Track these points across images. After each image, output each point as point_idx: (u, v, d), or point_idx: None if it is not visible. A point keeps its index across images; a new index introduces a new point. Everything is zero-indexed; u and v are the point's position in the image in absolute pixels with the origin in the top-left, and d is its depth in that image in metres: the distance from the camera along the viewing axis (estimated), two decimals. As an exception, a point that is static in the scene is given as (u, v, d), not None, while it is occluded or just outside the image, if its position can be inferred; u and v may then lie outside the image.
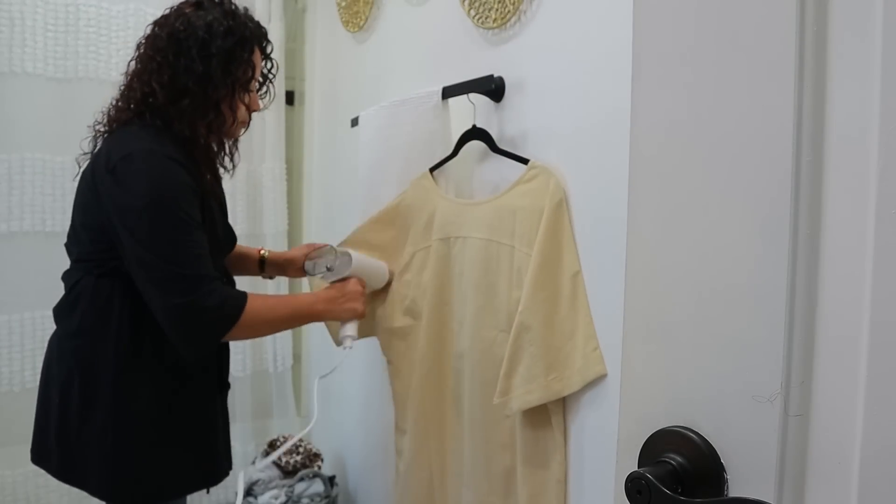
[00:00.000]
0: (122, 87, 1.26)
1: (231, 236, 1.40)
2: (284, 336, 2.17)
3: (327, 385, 2.07)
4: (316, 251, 1.43)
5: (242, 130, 1.34)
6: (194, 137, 1.22)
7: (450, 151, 1.34)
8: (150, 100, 1.19)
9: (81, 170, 1.29)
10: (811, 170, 0.49)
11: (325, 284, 1.38)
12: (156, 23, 1.24)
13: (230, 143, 1.37)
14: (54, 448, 1.26)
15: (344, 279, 1.36)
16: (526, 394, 1.10)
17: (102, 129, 1.26)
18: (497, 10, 1.26)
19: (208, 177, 1.27)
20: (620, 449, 0.62)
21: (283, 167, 2.14)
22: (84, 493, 1.27)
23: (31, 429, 1.37)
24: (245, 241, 2.08)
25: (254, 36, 1.26)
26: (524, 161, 1.18)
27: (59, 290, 1.93)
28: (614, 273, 1.03)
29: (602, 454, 1.08)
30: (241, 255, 1.52)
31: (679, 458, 0.56)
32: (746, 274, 0.53)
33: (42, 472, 1.38)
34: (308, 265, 1.43)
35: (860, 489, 0.47)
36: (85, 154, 1.28)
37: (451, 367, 1.31)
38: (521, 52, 1.24)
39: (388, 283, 1.44)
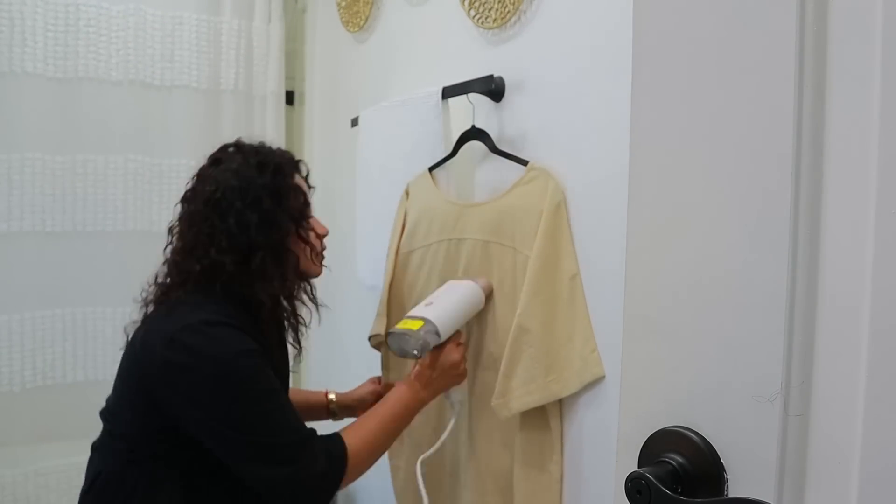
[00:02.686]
0: (167, 265, 1.13)
1: (287, 381, 1.26)
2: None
3: (327, 384, 2.07)
4: (392, 331, 1.17)
5: (320, 265, 1.21)
6: (261, 300, 1.09)
7: (450, 151, 1.34)
8: (218, 272, 1.07)
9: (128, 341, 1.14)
10: (811, 170, 0.49)
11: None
12: (183, 199, 1.14)
13: (303, 290, 1.21)
14: None
15: (440, 345, 1.16)
16: (525, 395, 1.09)
17: (151, 303, 1.13)
18: (497, 10, 1.26)
19: (275, 336, 1.18)
20: (620, 449, 0.62)
21: (283, 167, 2.14)
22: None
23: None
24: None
25: (286, 160, 1.15)
26: (524, 162, 1.18)
27: (58, 290, 1.93)
28: (614, 273, 1.03)
29: (599, 455, 1.08)
30: (305, 402, 1.36)
31: (679, 458, 0.56)
32: (747, 274, 0.53)
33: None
34: (394, 347, 1.17)
35: (860, 489, 0.47)
36: (134, 322, 1.14)
37: None
38: (521, 52, 1.24)
39: (490, 294, 1.22)
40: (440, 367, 1.15)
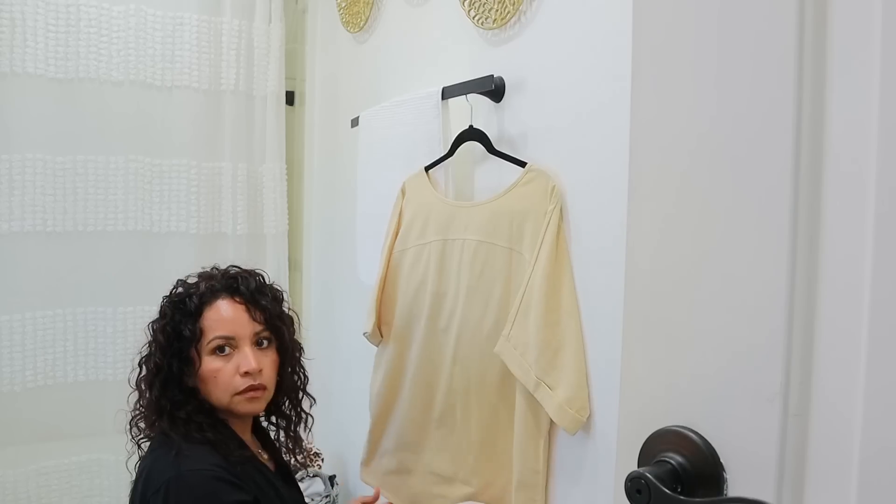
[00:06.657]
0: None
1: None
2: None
3: (327, 384, 2.07)
4: None
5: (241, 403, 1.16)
6: (207, 436, 1.12)
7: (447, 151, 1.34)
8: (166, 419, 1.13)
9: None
10: (811, 170, 0.49)
11: None
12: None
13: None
14: None
15: None
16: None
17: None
18: (497, 10, 1.26)
19: (243, 451, 1.16)
20: (620, 449, 0.62)
21: (283, 167, 2.14)
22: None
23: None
24: (246, 241, 2.08)
25: (202, 291, 1.18)
26: (522, 164, 1.18)
27: (59, 290, 1.93)
28: (614, 273, 1.04)
29: (598, 457, 1.08)
30: None
31: (678, 458, 0.56)
32: (746, 274, 0.53)
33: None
34: None
35: (860, 489, 0.47)
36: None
37: (443, 370, 1.31)
38: (521, 52, 1.24)
39: None
40: None
